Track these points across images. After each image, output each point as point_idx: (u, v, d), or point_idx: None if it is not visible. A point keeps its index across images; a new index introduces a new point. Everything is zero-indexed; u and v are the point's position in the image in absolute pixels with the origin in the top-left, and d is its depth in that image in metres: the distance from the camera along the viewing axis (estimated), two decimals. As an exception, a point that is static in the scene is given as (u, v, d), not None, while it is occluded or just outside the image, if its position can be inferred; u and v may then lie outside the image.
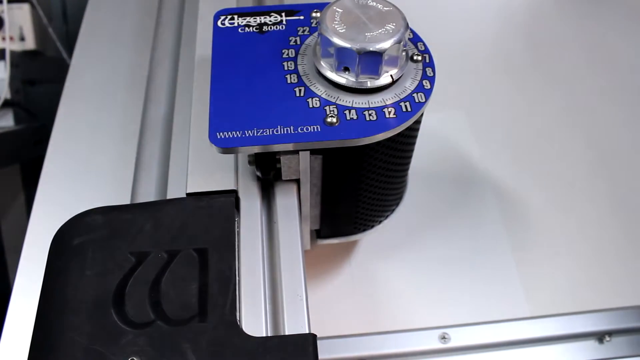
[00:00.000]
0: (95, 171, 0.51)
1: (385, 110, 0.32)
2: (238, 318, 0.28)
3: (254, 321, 0.28)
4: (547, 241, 0.50)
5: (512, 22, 0.67)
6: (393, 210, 0.43)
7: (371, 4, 0.32)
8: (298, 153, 0.32)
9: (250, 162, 0.34)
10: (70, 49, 0.76)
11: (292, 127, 0.31)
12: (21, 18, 0.77)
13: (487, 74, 0.62)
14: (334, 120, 0.31)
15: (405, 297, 0.46)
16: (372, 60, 0.31)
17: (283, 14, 0.36)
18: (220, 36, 0.35)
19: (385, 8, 0.32)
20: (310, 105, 0.32)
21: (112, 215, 0.31)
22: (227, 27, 0.36)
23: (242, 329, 0.28)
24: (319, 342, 0.37)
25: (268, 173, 0.33)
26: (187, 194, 0.33)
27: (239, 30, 0.36)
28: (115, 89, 0.57)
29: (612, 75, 0.62)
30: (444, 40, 0.62)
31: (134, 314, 0.28)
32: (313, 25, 0.36)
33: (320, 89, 0.32)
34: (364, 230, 0.42)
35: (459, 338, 0.43)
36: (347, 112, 0.31)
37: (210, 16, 0.37)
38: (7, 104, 0.73)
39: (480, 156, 0.55)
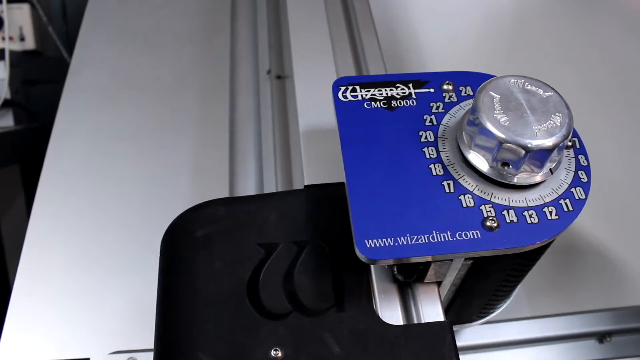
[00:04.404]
0: (95, 171, 0.51)
1: (546, 210, 0.28)
2: (375, 307, 0.28)
3: (389, 310, 0.29)
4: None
5: (498, 21, 0.67)
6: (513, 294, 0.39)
7: (530, 87, 0.28)
8: (452, 260, 0.29)
9: (388, 265, 0.30)
10: (70, 49, 0.76)
11: (449, 233, 0.27)
12: (21, 18, 0.77)
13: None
14: (495, 224, 0.27)
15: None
16: (540, 157, 0.27)
17: (410, 85, 0.32)
18: (345, 113, 0.31)
19: (546, 93, 0.28)
20: (464, 204, 0.28)
21: (235, 207, 0.31)
22: (351, 101, 0.32)
23: (380, 318, 0.28)
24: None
25: (411, 276, 0.31)
26: (305, 186, 0.33)
27: (365, 105, 0.32)
28: (115, 89, 0.57)
29: (602, 74, 0.62)
30: (436, 38, 0.62)
31: (270, 305, 0.28)
32: (446, 100, 0.32)
33: (471, 184, 0.29)
34: (484, 318, 0.39)
35: (459, 338, 0.42)
36: (505, 213, 0.28)
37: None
38: (7, 104, 0.73)
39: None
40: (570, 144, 0.30)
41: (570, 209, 0.28)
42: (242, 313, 0.27)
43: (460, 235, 0.27)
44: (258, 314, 0.27)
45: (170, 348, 0.27)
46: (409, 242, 0.27)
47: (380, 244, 0.27)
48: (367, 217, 0.27)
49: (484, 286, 0.34)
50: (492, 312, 0.38)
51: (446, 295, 0.33)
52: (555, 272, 0.48)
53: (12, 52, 0.73)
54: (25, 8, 0.77)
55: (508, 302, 0.39)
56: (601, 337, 0.43)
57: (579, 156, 0.30)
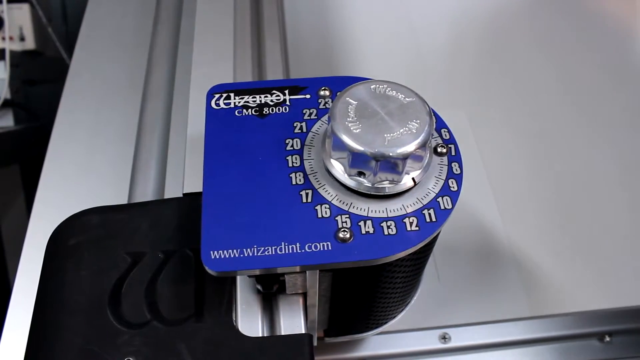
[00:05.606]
0: (95, 171, 0.51)
1: (406, 220, 0.27)
2: (234, 318, 0.28)
3: (249, 321, 0.28)
4: (548, 241, 0.50)
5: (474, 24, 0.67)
6: (409, 303, 0.38)
7: (390, 93, 0.28)
8: (305, 272, 0.28)
9: (249, 275, 0.29)
10: (70, 49, 0.76)
11: (298, 245, 0.26)
12: (21, 18, 0.77)
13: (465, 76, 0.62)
14: (347, 235, 0.26)
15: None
16: (393, 166, 0.26)
17: (286, 91, 0.31)
18: (214, 121, 0.30)
19: (407, 99, 0.27)
20: (319, 215, 0.27)
21: (108, 216, 0.31)
22: (223, 108, 0.31)
23: (238, 329, 0.27)
24: (318, 343, 0.37)
25: (271, 287, 0.30)
26: (184, 194, 0.33)
27: (236, 112, 0.31)
28: (115, 89, 0.57)
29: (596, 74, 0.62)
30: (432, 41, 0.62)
31: (130, 314, 0.28)
32: (321, 106, 0.31)
33: (330, 193, 0.28)
34: (376, 328, 0.38)
35: (459, 338, 0.42)
36: (362, 223, 0.27)
37: (203, 84, 0.34)
38: (7, 104, 0.73)
39: (473, 153, 0.55)
40: (444, 150, 0.29)
41: (433, 219, 0.27)
42: (101, 322, 0.27)
43: (310, 247, 0.26)
44: (117, 323, 0.27)
45: (34, 356, 0.27)
46: (255, 254, 0.26)
47: (225, 255, 0.26)
48: (217, 227, 0.27)
49: (356, 297, 0.32)
50: (386, 322, 0.37)
51: (320, 307, 0.32)
52: (555, 271, 0.48)
53: (12, 52, 0.73)
54: (25, 8, 0.77)
55: (404, 311, 0.37)
56: (601, 337, 0.43)
57: (453, 164, 0.29)
